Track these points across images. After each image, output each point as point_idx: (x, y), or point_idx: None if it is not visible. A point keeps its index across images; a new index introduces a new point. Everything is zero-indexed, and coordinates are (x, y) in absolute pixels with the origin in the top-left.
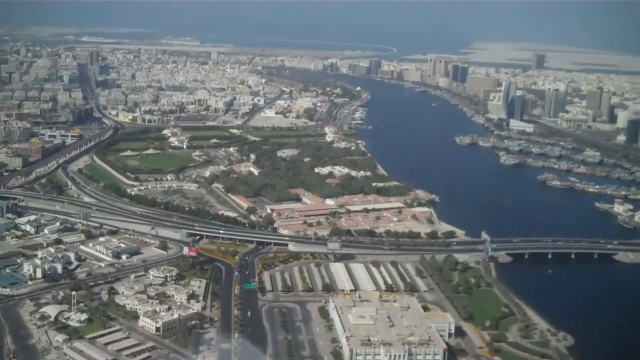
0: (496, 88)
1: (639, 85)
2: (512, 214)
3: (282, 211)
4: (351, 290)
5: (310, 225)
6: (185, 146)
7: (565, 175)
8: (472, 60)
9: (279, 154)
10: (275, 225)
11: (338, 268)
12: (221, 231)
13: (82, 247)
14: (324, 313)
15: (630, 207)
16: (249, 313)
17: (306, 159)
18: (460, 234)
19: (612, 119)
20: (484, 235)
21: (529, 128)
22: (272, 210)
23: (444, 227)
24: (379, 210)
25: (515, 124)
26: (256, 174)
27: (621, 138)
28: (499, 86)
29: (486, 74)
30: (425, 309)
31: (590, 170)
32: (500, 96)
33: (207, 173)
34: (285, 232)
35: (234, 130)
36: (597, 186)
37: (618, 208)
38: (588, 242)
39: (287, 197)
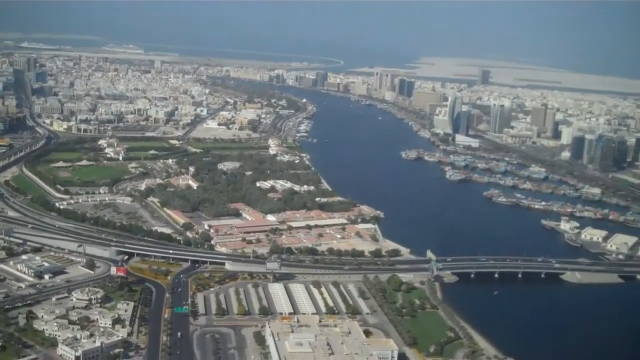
0: (442, 103)
1: (581, 102)
2: (458, 231)
3: (220, 227)
4: (290, 314)
5: (250, 242)
6: (121, 157)
7: (510, 191)
8: (419, 74)
9: (220, 166)
10: (212, 242)
11: (277, 289)
12: (154, 248)
13: (2, 265)
14: (259, 339)
15: (577, 224)
16: (179, 334)
17: (248, 173)
18: (405, 252)
19: (557, 135)
20: (429, 254)
21: (475, 143)
22: (210, 226)
23: (388, 244)
24: (322, 226)
25: (461, 139)
26: (195, 188)
27: (566, 154)
28: (445, 101)
29: (432, 88)
30: (368, 333)
31: (535, 186)
32: (446, 111)
33: (142, 186)
34: (222, 249)
35: (174, 142)
36: (543, 203)
37: (564, 226)
38: (535, 261)
39: (226, 213)
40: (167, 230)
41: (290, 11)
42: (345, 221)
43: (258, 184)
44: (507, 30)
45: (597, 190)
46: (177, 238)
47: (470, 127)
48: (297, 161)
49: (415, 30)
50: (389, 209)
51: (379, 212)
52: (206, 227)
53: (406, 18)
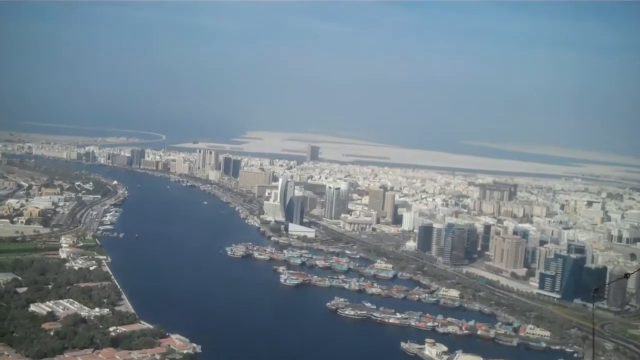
0: (272, 184)
1: (413, 179)
2: None
3: None
4: None
5: None
6: None
7: (358, 298)
8: (246, 150)
9: None
10: None
11: None
12: None
13: None
14: None
15: (444, 349)
16: None
17: (22, 290)
18: None
19: (397, 219)
20: None
21: (310, 233)
22: None
23: None
24: None
25: (294, 228)
26: None
27: (411, 244)
28: (275, 181)
29: (260, 166)
30: None
31: (385, 289)
32: (276, 194)
33: None
34: None
35: None
36: (398, 315)
37: (430, 351)
38: None
39: None
40: None
41: (109, 78)
42: None
43: (33, 307)
44: (327, 104)
45: (455, 293)
46: None
47: (304, 211)
48: (92, 267)
49: (241, 101)
50: (209, 339)
51: (194, 345)
52: None
53: (231, 86)
